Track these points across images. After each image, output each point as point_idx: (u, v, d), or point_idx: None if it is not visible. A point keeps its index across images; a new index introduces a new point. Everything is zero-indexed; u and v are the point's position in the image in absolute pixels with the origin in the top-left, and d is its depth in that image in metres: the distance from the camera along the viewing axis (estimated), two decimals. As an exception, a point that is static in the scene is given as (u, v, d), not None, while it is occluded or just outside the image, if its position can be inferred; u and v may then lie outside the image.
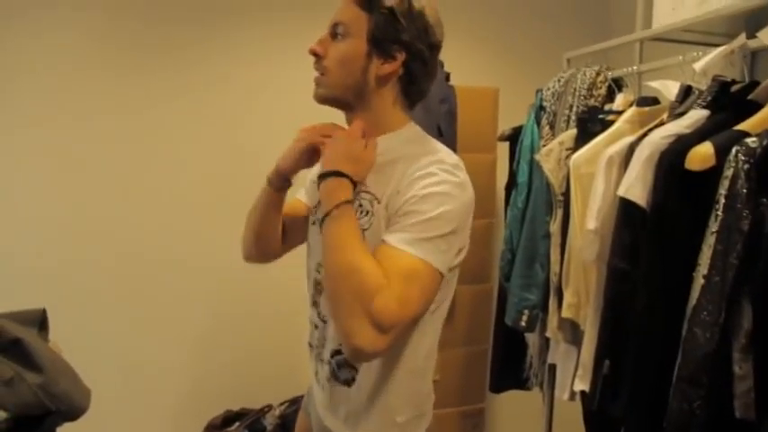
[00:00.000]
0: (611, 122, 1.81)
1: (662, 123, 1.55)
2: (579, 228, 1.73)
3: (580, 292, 1.77)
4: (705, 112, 1.45)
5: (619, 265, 1.51)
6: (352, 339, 0.96)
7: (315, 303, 1.27)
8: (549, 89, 2.17)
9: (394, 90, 1.16)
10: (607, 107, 1.99)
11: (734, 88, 1.45)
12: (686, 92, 1.59)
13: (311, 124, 1.26)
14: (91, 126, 2.46)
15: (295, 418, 1.55)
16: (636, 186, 1.43)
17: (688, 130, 1.42)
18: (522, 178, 2.16)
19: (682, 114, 1.50)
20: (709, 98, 1.47)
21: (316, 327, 1.28)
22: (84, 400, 1.44)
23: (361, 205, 1.13)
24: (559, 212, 1.92)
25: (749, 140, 1.22)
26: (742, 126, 1.32)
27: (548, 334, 1.98)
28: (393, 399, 1.18)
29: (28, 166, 2.40)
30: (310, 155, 1.25)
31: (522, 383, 2.28)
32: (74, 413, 1.41)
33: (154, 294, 2.57)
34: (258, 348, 2.68)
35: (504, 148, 2.50)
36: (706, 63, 1.55)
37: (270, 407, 2.58)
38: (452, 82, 2.45)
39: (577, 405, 1.87)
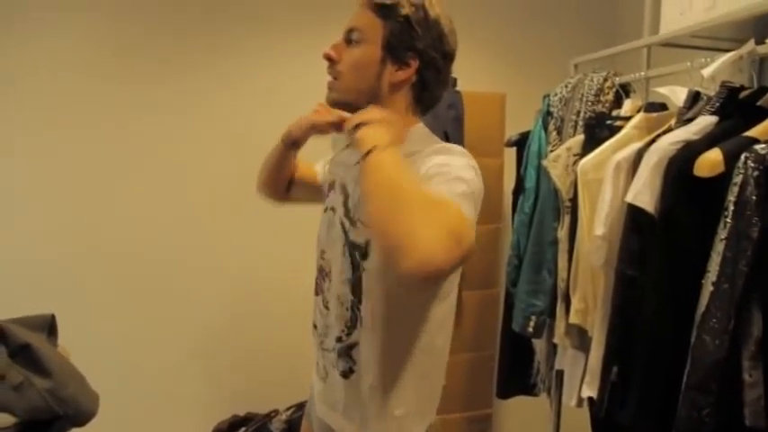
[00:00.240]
0: (619, 128, 1.80)
1: (670, 129, 1.55)
2: (587, 234, 1.72)
3: (588, 298, 1.76)
4: (713, 119, 1.44)
5: (627, 272, 1.51)
6: (425, 247, 0.83)
7: (319, 291, 1.29)
8: (556, 95, 2.17)
9: (407, 97, 1.17)
10: (615, 113, 1.98)
11: (742, 95, 1.44)
12: (694, 98, 1.59)
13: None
14: (96, 130, 2.47)
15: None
16: (644, 193, 1.43)
17: (696, 137, 1.41)
18: (530, 184, 2.16)
19: (690, 120, 1.50)
20: (717, 104, 1.46)
21: (320, 314, 1.28)
22: (92, 404, 1.45)
23: None
24: (567, 218, 1.91)
25: (758, 147, 1.22)
26: (751, 133, 1.32)
27: (555, 340, 1.97)
28: (392, 393, 1.18)
29: (35, 171, 2.42)
30: (321, 129, 1.28)
31: (528, 389, 2.28)
32: (82, 418, 1.41)
33: (161, 299, 2.58)
34: (265, 353, 2.69)
35: (510, 154, 2.50)
36: (714, 69, 1.54)
37: (276, 412, 2.58)
38: (460, 87, 2.45)
39: (585, 411, 1.86)
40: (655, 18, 2.01)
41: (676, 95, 1.69)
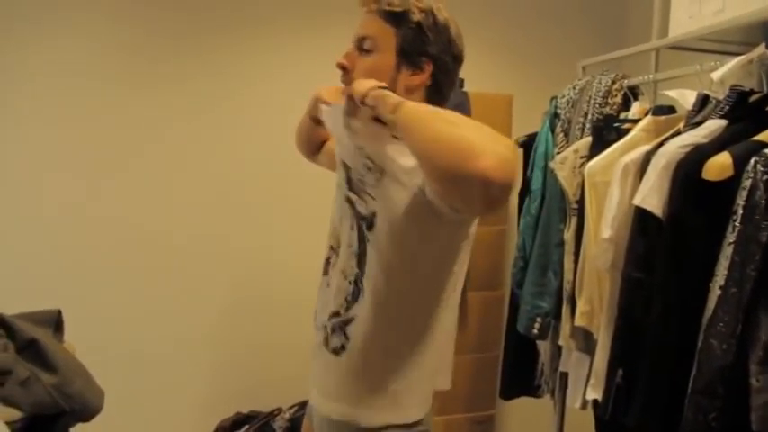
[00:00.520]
0: (627, 131, 1.80)
1: (678, 133, 1.54)
2: (593, 236, 1.72)
3: (593, 301, 1.76)
4: (723, 122, 1.44)
5: (633, 274, 1.50)
6: (495, 148, 0.83)
7: (326, 271, 1.29)
8: (563, 97, 2.16)
9: (420, 99, 1.18)
10: (622, 115, 1.98)
11: (752, 98, 1.44)
12: (703, 101, 1.58)
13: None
14: (98, 127, 2.48)
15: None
16: (652, 196, 1.42)
17: (705, 140, 1.41)
18: (536, 185, 2.15)
19: (699, 124, 1.49)
20: (726, 108, 1.46)
21: (321, 293, 1.29)
22: (97, 400, 1.46)
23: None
24: (573, 220, 1.91)
25: (768, 151, 1.21)
26: (761, 137, 1.31)
27: (560, 342, 1.97)
28: (387, 368, 1.18)
29: (41, 168, 2.43)
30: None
31: (532, 391, 2.27)
32: (87, 413, 1.42)
33: (165, 297, 2.58)
34: (269, 351, 2.69)
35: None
36: (724, 73, 1.54)
37: (279, 410, 2.59)
38: (467, 88, 2.45)
39: (588, 413, 1.86)
40: (664, 21, 2.01)
41: (685, 98, 1.68)
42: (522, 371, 2.28)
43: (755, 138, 1.32)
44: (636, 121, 1.82)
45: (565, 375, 2.04)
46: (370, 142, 1.14)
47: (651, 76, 1.99)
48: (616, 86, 2.03)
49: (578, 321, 1.79)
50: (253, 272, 2.69)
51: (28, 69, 2.38)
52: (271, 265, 2.68)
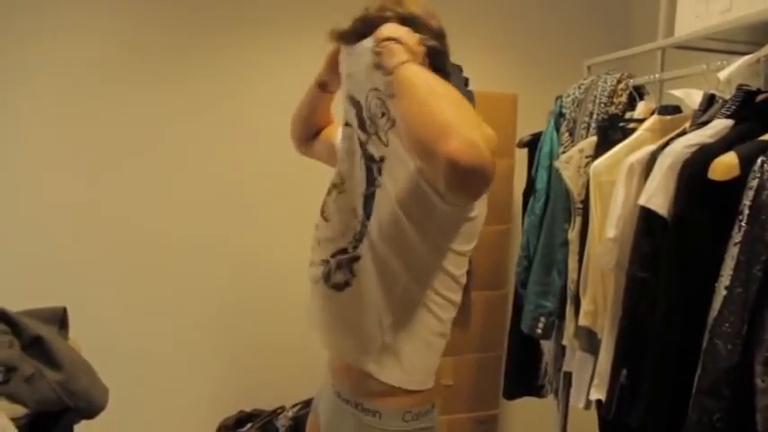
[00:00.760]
0: (632, 130, 1.79)
1: (684, 132, 1.54)
2: (598, 236, 1.72)
3: (597, 300, 1.76)
4: (729, 122, 1.43)
5: (638, 274, 1.50)
6: (469, 132, 0.85)
7: (324, 209, 1.29)
8: (568, 96, 2.16)
9: None
10: (628, 115, 1.97)
11: (759, 98, 1.43)
12: (709, 101, 1.57)
13: None
14: (102, 128, 2.48)
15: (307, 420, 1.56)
16: (657, 195, 1.42)
17: (711, 140, 1.40)
18: (541, 185, 2.15)
19: (705, 123, 1.49)
20: (733, 107, 1.45)
21: (319, 229, 1.29)
22: (102, 397, 1.46)
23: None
24: (578, 220, 1.91)
25: (775, 151, 1.21)
26: (767, 137, 1.31)
27: (564, 342, 1.97)
28: (388, 314, 1.18)
29: (43, 167, 2.43)
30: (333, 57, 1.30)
31: (535, 390, 2.27)
32: (92, 411, 1.42)
33: (168, 296, 2.59)
34: (272, 350, 2.69)
35: (522, 155, 2.50)
36: (730, 72, 1.53)
37: (283, 408, 2.59)
38: (471, 87, 2.44)
39: (592, 414, 1.86)
40: (670, 20, 2.00)
41: (691, 98, 1.68)
42: (525, 370, 2.28)
43: (762, 138, 1.31)
44: (641, 121, 1.82)
45: (568, 375, 2.04)
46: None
47: (657, 75, 1.98)
48: (621, 86, 2.02)
49: (582, 321, 1.79)
50: (256, 271, 2.69)
51: (28, 68, 2.38)
52: (274, 264, 2.68)
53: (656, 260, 1.44)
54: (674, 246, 1.39)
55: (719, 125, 1.43)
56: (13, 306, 1.49)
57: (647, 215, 1.46)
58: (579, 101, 2.11)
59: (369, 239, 1.18)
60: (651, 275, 1.46)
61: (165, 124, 2.55)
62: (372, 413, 1.19)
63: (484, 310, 2.58)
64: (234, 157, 2.62)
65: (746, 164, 1.24)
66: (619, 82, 2.02)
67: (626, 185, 1.58)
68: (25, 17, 2.36)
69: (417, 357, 1.21)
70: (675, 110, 1.76)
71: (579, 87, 2.14)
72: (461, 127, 0.86)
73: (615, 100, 2.01)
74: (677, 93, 1.76)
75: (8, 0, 2.34)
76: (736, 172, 1.26)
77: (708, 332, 1.26)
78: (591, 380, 1.75)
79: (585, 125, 2.04)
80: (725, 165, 1.27)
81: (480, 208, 1.19)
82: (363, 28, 1.13)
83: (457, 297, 1.23)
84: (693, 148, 1.39)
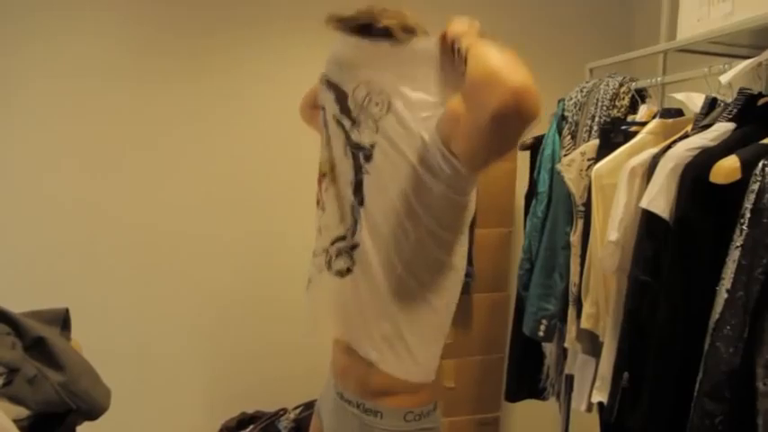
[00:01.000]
0: (634, 133, 1.79)
1: (686, 135, 1.54)
2: (600, 238, 1.72)
3: (599, 303, 1.76)
4: (731, 125, 1.43)
5: (640, 277, 1.50)
6: (526, 75, 0.97)
7: (318, 197, 1.30)
8: (571, 99, 2.16)
9: None
10: (630, 118, 1.97)
11: (760, 101, 1.44)
12: (711, 104, 1.58)
13: None
14: (104, 128, 2.49)
15: (310, 422, 1.56)
16: (659, 198, 1.42)
17: (713, 143, 1.41)
18: (543, 188, 2.15)
19: (707, 127, 1.49)
20: (735, 111, 1.45)
21: (319, 230, 1.30)
22: (104, 399, 1.46)
23: None
24: (580, 223, 1.91)
25: (776, 155, 1.21)
26: (769, 140, 1.31)
27: (566, 344, 1.97)
28: (390, 299, 1.17)
29: (44, 167, 2.44)
30: None
31: (537, 393, 2.27)
32: (94, 412, 1.43)
33: (171, 296, 2.60)
34: (274, 352, 2.69)
35: (523, 157, 2.49)
36: (732, 75, 1.53)
37: (284, 410, 2.59)
38: (473, 90, 2.44)
39: (594, 416, 1.86)
40: (672, 23, 2.00)
41: (693, 101, 1.68)
42: (527, 373, 2.28)
43: (764, 141, 1.31)
44: (643, 124, 1.82)
45: (570, 378, 2.04)
46: (393, 77, 1.14)
47: (659, 78, 1.99)
48: (624, 89, 2.02)
49: (584, 324, 1.79)
50: (259, 271, 2.70)
51: (28, 69, 2.39)
52: (277, 265, 2.68)
53: (657, 263, 1.44)
54: (676, 249, 1.39)
55: (721, 128, 1.44)
56: (16, 307, 1.49)
57: (648, 218, 1.46)
58: (581, 104, 2.11)
59: (363, 226, 1.18)
60: (653, 278, 1.46)
61: (165, 124, 2.56)
62: (374, 413, 1.19)
63: (486, 313, 2.58)
64: (235, 157, 2.63)
65: (748, 167, 1.24)
66: (621, 85, 2.03)
67: (628, 188, 1.58)
68: (25, 17, 2.37)
69: (417, 347, 1.20)
70: (677, 113, 1.77)
71: (581, 90, 2.14)
72: (520, 70, 0.96)
73: (617, 103, 2.01)
74: (679, 96, 1.76)
75: (8, 0, 2.35)
76: (737, 175, 1.26)
77: (709, 335, 1.26)
78: (593, 383, 1.75)
79: (588, 128, 2.04)
80: (726, 168, 1.28)
81: (472, 195, 1.18)
82: (365, 20, 1.14)
83: (452, 285, 1.22)
84: (695, 152, 1.40)
